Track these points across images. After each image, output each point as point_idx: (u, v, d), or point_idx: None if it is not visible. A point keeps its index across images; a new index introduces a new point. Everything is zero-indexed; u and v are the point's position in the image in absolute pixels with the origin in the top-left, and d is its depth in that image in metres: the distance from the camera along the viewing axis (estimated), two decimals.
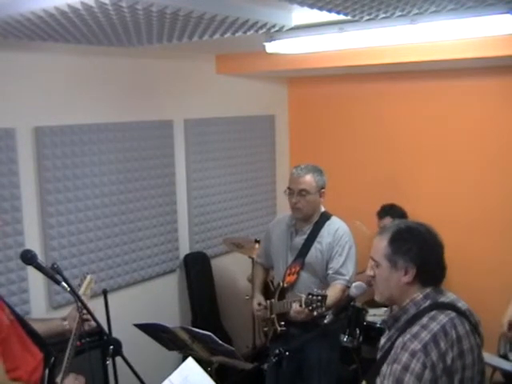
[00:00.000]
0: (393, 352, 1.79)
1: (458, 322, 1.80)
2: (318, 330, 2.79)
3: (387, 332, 1.96)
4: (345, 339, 3.63)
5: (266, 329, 3.38)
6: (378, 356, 1.93)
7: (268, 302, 3.32)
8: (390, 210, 4.20)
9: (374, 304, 4.17)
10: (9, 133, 3.16)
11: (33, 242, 3.29)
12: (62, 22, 2.22)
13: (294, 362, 3.07)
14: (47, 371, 2.27)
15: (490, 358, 3.01)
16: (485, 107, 4.13)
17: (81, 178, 3.52)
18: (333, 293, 3.00)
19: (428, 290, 1.87)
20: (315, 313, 2.81)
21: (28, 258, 2.29)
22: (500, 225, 4.11)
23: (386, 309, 3.86)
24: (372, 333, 3.77)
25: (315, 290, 2.89)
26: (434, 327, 1.76)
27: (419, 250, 1.86)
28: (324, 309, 2.80)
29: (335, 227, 3.18)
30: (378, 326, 3.77)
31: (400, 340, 1.79)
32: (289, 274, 3.19)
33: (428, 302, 1.85)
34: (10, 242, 3.18)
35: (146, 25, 2.29)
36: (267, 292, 3.47)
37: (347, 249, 3.13)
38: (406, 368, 1.71)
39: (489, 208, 4.15)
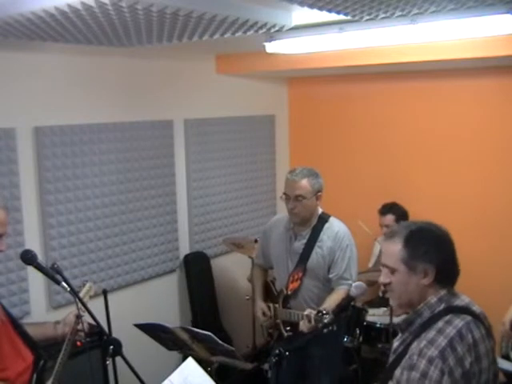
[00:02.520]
0: (407, 357, 1.77)
1: (474, 326, 1.78)
2: (318, 330, 2.79)
3: (400, 335, 1.93)
4: (345, 339, 3.64)
5: (271, 330, 3.38)
6: (391, 359, 1.90)
7: (271, 306, 3.31)
8: (391, 208, 4.20)
9: (374, 304, 4.17)
10: (9, 133, 3.16)
11: (33, 242, 3.29)
12: (62, 22, 2.22)
13: (297, 362, 3.07)
14: (35, 375, 2.26)
15: (501, 362, 3.02)
16: (485, 107, 4.12)
17: (81, 177, 3.52)
18: (336, 297, 3.01)
19: (442, 292, 1.84)
20: (325, 330, 2.81)
21: (28, 258, 2.29)
22: (501, 225, 4.11)
23: (385, 309, 3.87)
24: (372, 333, 3.77)
25: (324, 308, 2.87)
26: (450, 332, 1.74)
27: (437, 249, 1.83)
28: (335, 327, 2.80)
29: (335, 230, 3.15)
30: (377, 325, 3.77)
31: (415, 345, 1.76)
32: (292, 282, 3.18)
33: (442, 306, 1.82)
34: (10, 242, 3.17)
35: (146, 25, 2.29)
36: (268, 293, 3.45)
37: (348, 252, 3.12)
38: (424, 375, 1.69)
39: (489, 208, 4.15)
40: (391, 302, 1.96)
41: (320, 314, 2.82)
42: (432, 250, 1.83)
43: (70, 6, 1.96)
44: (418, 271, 1.83)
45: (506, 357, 3.22)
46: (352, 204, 4.72)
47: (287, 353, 2.27)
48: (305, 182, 3.08)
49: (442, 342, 1.72)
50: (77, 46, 2.91)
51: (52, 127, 3.36)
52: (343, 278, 3.10)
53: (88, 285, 2.58)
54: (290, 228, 3.25)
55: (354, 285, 2.31)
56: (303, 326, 2.94)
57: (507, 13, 2.30)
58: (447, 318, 1.79)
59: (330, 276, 3.13)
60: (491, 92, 4.08)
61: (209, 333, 2.75)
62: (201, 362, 2.39)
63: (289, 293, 3.20)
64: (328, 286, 3.14)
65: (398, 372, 1.79)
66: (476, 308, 1.86)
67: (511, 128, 4.02)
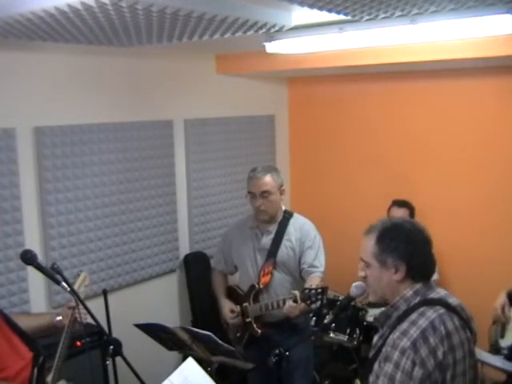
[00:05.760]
0: (384, 350, 1.81)
1: (447, 317, 1.82)
2: (313, 332, 2.77)
3: (380, 330, 1.98)
4: (345, 339, 3.64)
5: (238, 334, 3.35)
6: (371, 354, 1.94)
7: (239, 306, 3.30)
8: (406, 203, 4.16)
9: (374, 304, 4.17)
10: (9, 133, 3.16)
11: (33, 242, 3.29)
12: (62, 22, 2.22)
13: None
14: (36, 370, 2.26)
15: (488, 357, 3.00)
16: (484, 107, 4.12)
17: (81, 177, 3.52)
18: (312, 281, 3.06)
19: (418, 286, 1.89)
20: (313, 306, 2.82)
21: (28, 258, 2.29)
22: (504, 224, 4.09)
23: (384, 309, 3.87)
24: (372, 333, 3.77)
25: (309, 285, 2.93)
26: (423, 323, 1.78)
27: (406, 246, 1.88)
28: (324, 301, 2.82)
29: (301, 223, 3.25)
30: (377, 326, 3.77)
31: (390, 337, 1.81)
32: (263, 275, 3.20)
33: (418, 299, 1.87)
34: (10, 242, 3.18)
35: (146, 25, 2.29)
36: (233, 297, 3.42)
37: (317, 242, 3.21)
38: (397, 366, 1.73)
39: (491, 207, 4.13)
40: (369, 295, 2.03)
41: (307, 290, 2.86)
42: (402, 246, 1.88)
43: (69, 5, 1.97)
44: (389, 267, 1.88)
45: (497, 349, 3.13)
46: (352, 204, 4.72)
47: (287, 353, 2.27)
48: (268, 178, 3.16)
49: (414, 333, 1.75)
50: (77, 46, 2.92)
51: (52, 127, 3.36)
52: (314, 266, 3.15)
53: (83, 274, 2.57)
54: (254, 226, 3.29)
55: (354, 285, 2.31)
56: (289, 308, 2.95)
57: (507, 13, 2.30)
58: (421, 310, 1.83)
59: (302, 267, 3.17)
60: (492, 92, 4.08)
61: (209, 333, 2.75)
62: (201, 361, 2.39)
63: (261, 287, 3.20)
64: (299, 281, 3.18)
65: (376, 365, 1.83)
66: (453, 300, 1.90)
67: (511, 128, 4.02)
